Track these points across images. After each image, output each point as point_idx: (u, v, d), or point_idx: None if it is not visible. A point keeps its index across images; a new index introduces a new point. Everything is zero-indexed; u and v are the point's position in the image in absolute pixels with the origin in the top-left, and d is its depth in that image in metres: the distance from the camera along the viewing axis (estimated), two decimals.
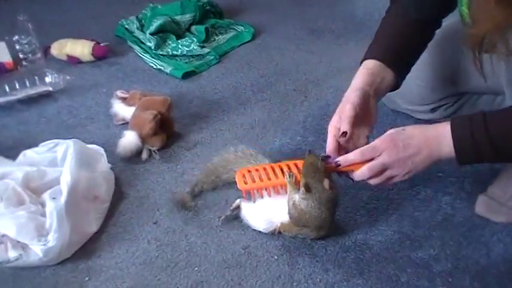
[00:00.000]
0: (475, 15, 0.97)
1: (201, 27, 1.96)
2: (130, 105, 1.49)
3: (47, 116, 1.59)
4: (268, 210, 1.12)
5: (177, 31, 1.96)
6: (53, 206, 1.11)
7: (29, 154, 1.29)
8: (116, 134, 1.45)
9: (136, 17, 2.05)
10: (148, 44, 1.89)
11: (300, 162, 1.09)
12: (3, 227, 1.09)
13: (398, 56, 1.13)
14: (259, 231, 1.15)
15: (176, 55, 1.87)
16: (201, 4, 2.03)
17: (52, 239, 1.08)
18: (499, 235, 1.13)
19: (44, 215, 1.11)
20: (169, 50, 1.87)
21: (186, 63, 1.83)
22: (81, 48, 1.83)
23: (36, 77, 1.68)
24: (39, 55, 1.74)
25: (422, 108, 1.41)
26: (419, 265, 1.08)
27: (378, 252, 1.11)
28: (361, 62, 1.14)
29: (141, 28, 1.99)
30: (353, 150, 1.04)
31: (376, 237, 1.15)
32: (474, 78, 1.20)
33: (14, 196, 1.15)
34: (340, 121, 1.07)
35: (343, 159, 1.04)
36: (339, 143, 1.08)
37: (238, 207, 1.17)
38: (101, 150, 1.35)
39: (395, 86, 1.16)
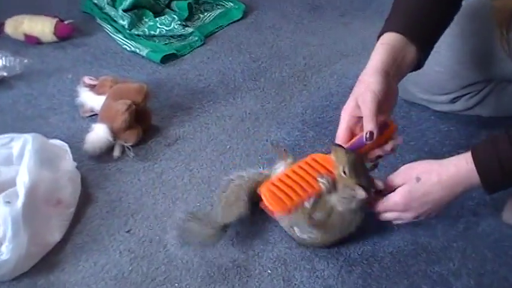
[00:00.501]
0: None
1: (183, 3, 1.95)
2: (99, 93, 1.48)
3: (0, 105, 1.58)
4: None
5: (155, 7, 1.95)
6: (7, 211, 1.10)
7: None
8: (82, 127, 1.44)
9: None
10: (121, 22, 1.88)
11: (315, 159, 1.09)
12: None
13: (422, 29, 1.10)
14: (250, 243, 1.15)
15: (154, 35, 1.86)
16: None
17: (6, 251, 1.08)
18: None
19: None
20: (146, 30, 1.87)
21: (166, 44, 1.82)
22: (41, 27, 1.81)
23: None
24: None
25: (442, 99, 1.41)
26: (436, 282, 1.09)
27: (388, 266, 1.12)
28: (379, 37, 1.13)
29: (113, 3, 1.98)
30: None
31: (387, 248, 1.15)
32: (503, 63, 1.20)
33: None
34: (356, 109, 1.06)
35: None
36: (351, 132, 1.08)
37: None
38: (65, 146, 1.34)
39: (418, 66, 1.14)
